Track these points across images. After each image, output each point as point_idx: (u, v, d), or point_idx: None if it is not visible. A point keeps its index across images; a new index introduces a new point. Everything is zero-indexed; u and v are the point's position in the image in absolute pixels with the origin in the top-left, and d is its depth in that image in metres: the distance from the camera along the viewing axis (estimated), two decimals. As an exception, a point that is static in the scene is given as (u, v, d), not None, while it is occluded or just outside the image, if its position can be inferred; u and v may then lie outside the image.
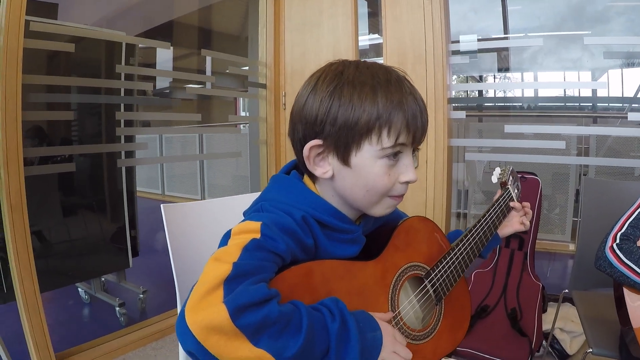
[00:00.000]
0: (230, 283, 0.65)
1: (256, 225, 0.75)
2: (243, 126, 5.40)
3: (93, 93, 2.53)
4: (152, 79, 2.68)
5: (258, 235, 0.73)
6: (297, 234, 0.79)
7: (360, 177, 0.83)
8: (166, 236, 1.14)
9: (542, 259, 3.65)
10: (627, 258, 1.29)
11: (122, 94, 2.58)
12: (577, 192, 3.67)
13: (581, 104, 4.72)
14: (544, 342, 2.20)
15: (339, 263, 0.83)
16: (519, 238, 2.37)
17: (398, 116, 0.80)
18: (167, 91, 4.58)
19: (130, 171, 2.97)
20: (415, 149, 0.88)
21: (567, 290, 1.86)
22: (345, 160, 0.82)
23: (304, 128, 0.84)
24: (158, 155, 6.63)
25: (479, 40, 2.68)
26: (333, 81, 0.81)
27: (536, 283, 2.31)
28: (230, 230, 0.79)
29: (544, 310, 2.33)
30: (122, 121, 2.56)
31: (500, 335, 2.16)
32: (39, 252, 2.40)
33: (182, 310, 0.64)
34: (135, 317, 2.84)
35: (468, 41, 2.62)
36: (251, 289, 0.64)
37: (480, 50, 2.63)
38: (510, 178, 1.30)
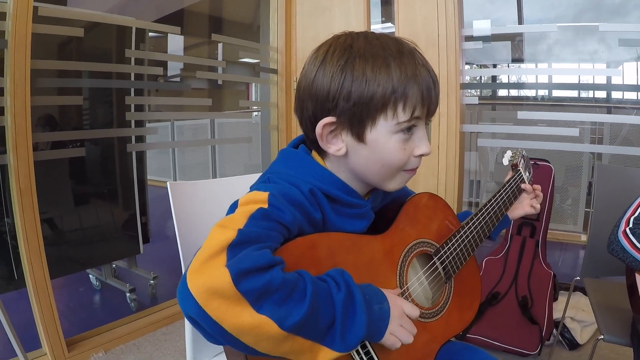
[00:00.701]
0: (234, 249, 0.64)
1: (263, 195, 0.74)
2: (255, 114, 5.41)
3: (103, 78, 2.53)
4: (163, 65, 2.66)
5: (265, 205, 0.72)
6: (304, 206, 0.77)
7: (375, 153, 0.82)
8: (172, 214, 1.14)
9: (554, 248, 3.63)
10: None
11: (132, 79, 2.57)
12: (590, 185, 3.63)
13: (595, 96, 4.67)
14: (554, 330, 2.18)
15: (345, 236, 0.82)
16: (531, 225, 2.35)
17: (413, 89, 0.78)
18: (178, 79, 4.57)
19: (141, 158, 2.98)
20: (427, 122, 0.86)
21: (578, 278, 1.84)
22: (360, 136, 0.81)
23: (314, 105, 0.82)
24: (174, 147, 6.68)
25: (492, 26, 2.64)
26: (343, 55, 0.79)
27: (547, 271, 2.28)
28: (237, 200, 0.77)
29: (555, 299, 2.30)
30: (132, 106, 2.55)
31: (510, 323, 2.14)
32: (50, 239, 2.42)
33: (184, 275, 0.63)
34: (145, 302, 2.86)
35: (481, 27, 2.58)
36: (254, 254, 0.63)
37: (494, 37, 2.58)
38: (522, 161, 1.29)
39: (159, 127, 6.54)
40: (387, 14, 5.14)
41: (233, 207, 0.77)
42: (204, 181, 1.26)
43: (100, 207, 2.82)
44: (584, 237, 3.61)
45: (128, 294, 2.78)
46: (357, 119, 0.79)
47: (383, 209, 0.96)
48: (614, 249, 1.33)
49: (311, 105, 0.82)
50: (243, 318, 0.61)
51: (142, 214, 2.95)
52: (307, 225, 0.78)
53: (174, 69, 3.98)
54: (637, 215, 1.33)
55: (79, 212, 2.67)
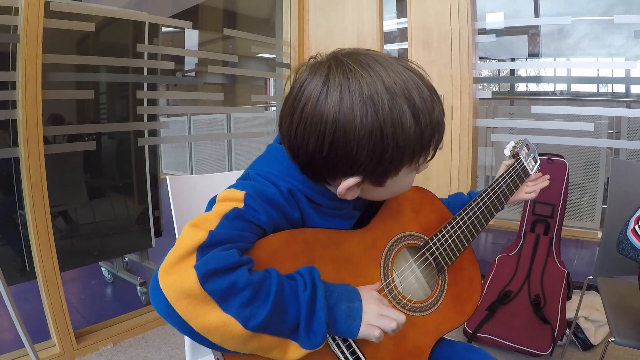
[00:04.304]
0: (204, 250, 0.65)
1: (240, 194, 0.74)
2: (273, 109, 5.41)
3: (117, 73, 2.53)
4: (175, 59, 2.66)
5: (240, 205, 0.72)
6: (282, 206, 0.77)
7: (389, 190, 0.83)
8: (171, 208, 1.14)
9: (570, 245, 3.57)
10: None
11: (146, 74, 2.57)
12: (608, 181, 3.57)
13: (615, 91, 4.59)
14: (567, 330, 2.14)
15: (321, 231, 0.81)
16: (545, 222, 2.30)
17: (436, 138, 0.78)
18: (193, 74, 4.59)
19: (155, 153, 2.98)
20: None
21: (591, 277, 1.79)
22: (380, 183, 0.80)
23: (334, 162, 0.75)
24: (186, 142, 6.72)
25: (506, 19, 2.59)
26: (369, 115, 0.71)
27: (561, 269, 2.24)
28: (216, 196, 0.78)
29: (569, 298, 2.26)
30: (145, 100, 2.55)
31: (522, 322, 2.10)
32: (64, 232, 2.45)
33: (156, 273, 0.65)
34: (156, 296, 2.86)
35: (494, 20, 2.53)
36: (221, 255, 0.64)
37: (508, 30, 2.54)
38: (525, 150, 1.28)
39: (176, 122, 6.59)
40: (402, 11, 5.09)
41: (211, 204, 0.77)
42: (204, 175, 1.26)
43: (113, 200, 2.84)
44: (600, 234, 3.54)
45: (139, 287, 2.80)
46: (382, 173, 0.77)
47: (369, 205, 0.94)
48: (623, 249, 1.29)
49: (332, 159, 0.75)
50: (209, 317, 0.62)
51: (155, 208, 2.96)
52: (285, 224, 0.78)
53: (190, 64, 3.99)
54: None
55: (92, 205, 2.69)
